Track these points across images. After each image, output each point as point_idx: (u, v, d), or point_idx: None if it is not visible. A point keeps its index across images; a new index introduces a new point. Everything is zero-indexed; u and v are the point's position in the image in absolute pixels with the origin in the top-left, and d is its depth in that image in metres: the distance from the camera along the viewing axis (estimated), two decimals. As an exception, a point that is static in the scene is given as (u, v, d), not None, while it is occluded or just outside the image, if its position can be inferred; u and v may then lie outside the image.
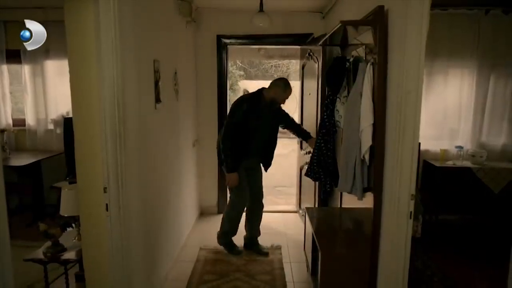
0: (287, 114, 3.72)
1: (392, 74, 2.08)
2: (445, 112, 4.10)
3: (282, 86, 3.35)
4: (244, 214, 3.66)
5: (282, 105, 3.50)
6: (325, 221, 3.13)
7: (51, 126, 4.70)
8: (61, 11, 2.14)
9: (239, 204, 3.55)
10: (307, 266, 3.22)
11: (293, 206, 5.03)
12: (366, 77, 2.25)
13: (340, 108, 2.83)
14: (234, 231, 3.63)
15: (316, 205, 3.83)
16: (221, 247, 3.65)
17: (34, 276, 2.80)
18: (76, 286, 2.62)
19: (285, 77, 12.83)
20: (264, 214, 3.72)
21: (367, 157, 2.26)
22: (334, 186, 3.13)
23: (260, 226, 3.73)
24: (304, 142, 4.01)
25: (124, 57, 2.11)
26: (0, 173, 1.60)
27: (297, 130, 3.77)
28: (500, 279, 1.83)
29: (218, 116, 4.60)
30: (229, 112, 3.45)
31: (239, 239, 3.72)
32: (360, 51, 2.61)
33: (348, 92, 2.68)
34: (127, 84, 2.17)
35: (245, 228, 3.72)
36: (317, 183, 3.70)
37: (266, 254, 3.59)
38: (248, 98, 3.45)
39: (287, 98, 3.41)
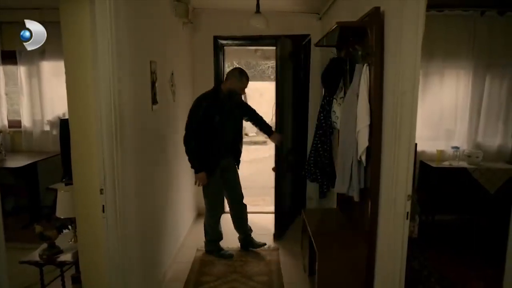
0: (250, 107, 3.69)
1: (388, 75, 2.09)
2: (441, 113, 4.11)
3: (237, 76, 3.30)
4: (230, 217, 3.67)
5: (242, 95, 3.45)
6: (322, 221, 3.13)
7: (47, 128, 4.68)
8: (57, 12, 2.14)
9: (215, 211, 3.54)
10: (304, 267, 3.22)
11: (290, 207, 5.02)
12: (362, 78, 2.26)
13: (337, 109, 2.84)
14: (220, 236, 3.62)
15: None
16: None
17: (30, 279, 2.78)
18: (72, 288, 2.61)
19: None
20: (260, 215, 3.69)
21: (363, 158, 2.27)
22: (331, 186, 3.14)
23: (257, 227, 3.72)
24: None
25: (120, 58, 2.11)
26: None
27: (259, 123, 3.67)
28: (496, 279, 1.84)
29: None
30: (189, 112, 3.32)
31: (235, 240, 3.73)
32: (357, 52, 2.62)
33: (345, 93, 2.68)
34: (124, 85, 2.17)
35: (236, 230, 3.72)
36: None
37: (263, 244, 3.62)
38: (206, 95, 3.36)
39: (245, 87, 3.37)
